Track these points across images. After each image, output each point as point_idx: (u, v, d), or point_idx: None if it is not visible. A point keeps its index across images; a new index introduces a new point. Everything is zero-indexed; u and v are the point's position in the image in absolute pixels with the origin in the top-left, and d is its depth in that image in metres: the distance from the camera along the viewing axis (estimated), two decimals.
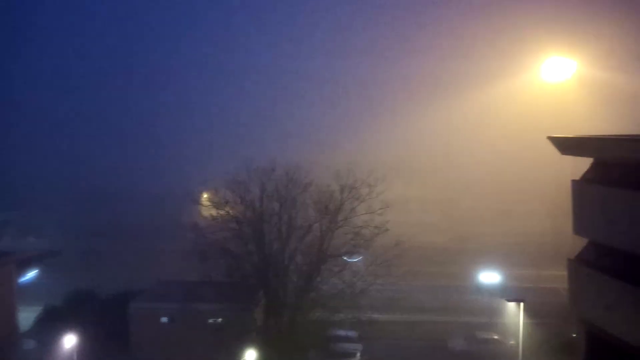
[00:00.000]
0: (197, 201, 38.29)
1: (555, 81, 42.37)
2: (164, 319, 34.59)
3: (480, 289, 43.21)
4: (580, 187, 15.08)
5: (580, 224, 15.24)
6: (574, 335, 17.28)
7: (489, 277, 44.10)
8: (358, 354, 34.23)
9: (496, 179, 56.14)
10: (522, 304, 28.71)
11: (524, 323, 28.45)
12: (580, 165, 16.08)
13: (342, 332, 34.50)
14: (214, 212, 32.62)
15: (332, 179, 31.75)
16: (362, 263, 33.08)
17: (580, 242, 16.07)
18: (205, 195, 37.11)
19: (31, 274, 43.77)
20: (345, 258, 32.44)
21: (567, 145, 15.52)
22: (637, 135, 14.38)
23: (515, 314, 31.64)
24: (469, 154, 61.98)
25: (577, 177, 15.60)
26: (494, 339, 35.52)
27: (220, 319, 31.75)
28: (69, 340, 29.25)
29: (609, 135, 15.07)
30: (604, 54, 45.88)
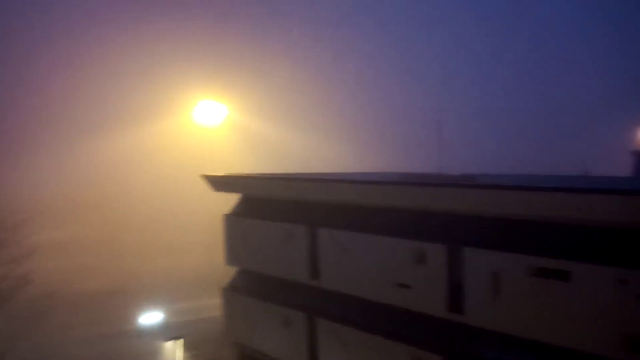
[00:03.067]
0: None
1: (209, 124, 45.96)
2: None
3: (141, 331, 41.88)
4: (229, 220, 16.42)
5: (231, 254, 16.55)
6: None
7: (152, 317, 43.28)
8: None
9: (156, 216, 56.36)
10: (180, 341, 29.14)
11: (183, 358, 28.86)
12: (231, 200, 17.58)
13: None
14: None
15: None
16: (1, 322, 27.65)
17: (233, 272, 17.43)
18: None
19: None
20: None
21: (219, 183, 16.74)
22: (273, 174, 16.64)
23: (174, 350, 31.82)
24: (128, 192, 60.45)
25: (228, 211, 16.97)
26: None
27: None
28: None
29: (251, 174, 16.99)
30: (252, 102, 52.65)
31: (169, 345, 33.15)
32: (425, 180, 12.34)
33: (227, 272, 18.08)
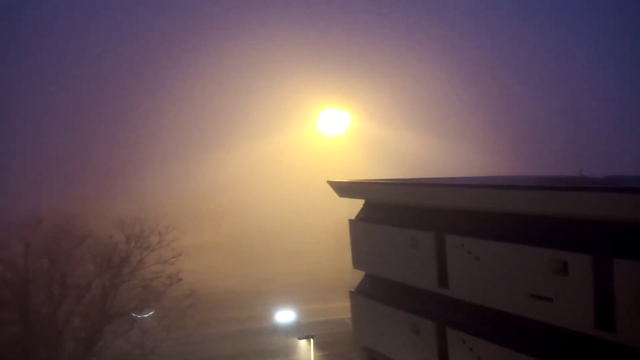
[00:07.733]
0: None
1: (332, 132, 47.31)
2: None
3: (276, 329, 44.05)
4: (355, 225, 16.62)
5: (358, 258, 16.73)
6: None
7: (284, 316, 45.38)
8: None
9: (284, 222, 59.11)
10: (312, 340, 30.06)
11: (315, 357, 29.78)
12: (356, 206, 17.83)
13: None
14: None
15: (115, 228, 29.19)
16: (153, 318, 30.86)
17: (361, 276, 17.63)
18: None
19: None
20: (133, 315, 29.79)
21: (344, 189, 17.05)
22: (397, 180, 16.52)
23: (307, 349, 32.93)
24: (258, 199, 64.22)
25: (353, 216, 17.22)
26: None
27: None
28: None
29: (375, 180, 17.04)
30: (375, 108, 53.05)
31: (302, 343, 34.46)
32: (564, 184, 11.40)
33: (354, 276, 18.35)
